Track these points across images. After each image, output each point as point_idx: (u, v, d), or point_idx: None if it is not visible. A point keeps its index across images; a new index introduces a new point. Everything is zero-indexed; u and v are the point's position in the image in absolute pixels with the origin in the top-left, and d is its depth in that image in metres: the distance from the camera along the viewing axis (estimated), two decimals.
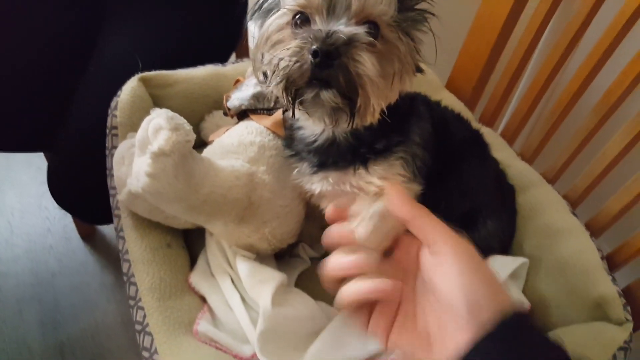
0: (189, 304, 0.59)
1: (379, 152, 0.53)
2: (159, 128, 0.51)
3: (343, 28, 0.43)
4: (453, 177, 0.62)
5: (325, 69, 0.42)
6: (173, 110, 0.71)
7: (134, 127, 0.66)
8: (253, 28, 0.51)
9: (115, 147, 0.65)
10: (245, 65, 0.79)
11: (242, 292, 0.58)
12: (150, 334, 0.54)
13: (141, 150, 0.54)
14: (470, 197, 0.64)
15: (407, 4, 0.47)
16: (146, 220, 0.62)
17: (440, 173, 0.58)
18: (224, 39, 0.97)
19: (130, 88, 0.68)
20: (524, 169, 0.75)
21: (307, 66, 0.43)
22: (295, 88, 0.45)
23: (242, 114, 0.69)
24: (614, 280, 0.60)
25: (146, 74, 0.71)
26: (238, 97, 0.67)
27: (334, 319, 0.55)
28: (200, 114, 0.77)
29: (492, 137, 0.79)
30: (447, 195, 0.60)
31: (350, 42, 0.42)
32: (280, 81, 0.45)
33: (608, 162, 0.67)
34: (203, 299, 0.60)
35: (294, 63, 0.43)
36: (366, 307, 0.43)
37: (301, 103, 0.46)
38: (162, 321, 0.55)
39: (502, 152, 0.77)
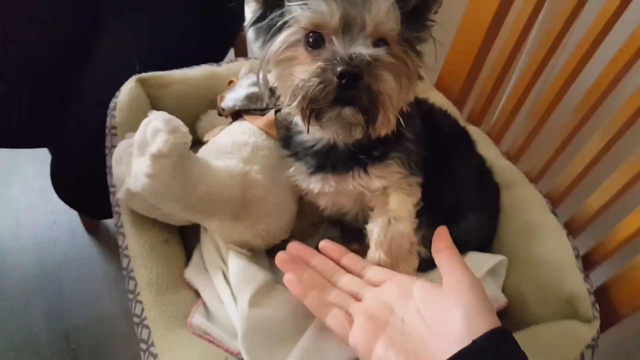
0: (184, 298, 0.61)
1: (376, 157, 0.56)
2: (157, 130, 0.53)
3: (364, 49, 0.45)
4: (443, 168, 0.64)
5: (350, 90, 0.45)
6: (169, 110, 0.74)
7: (132, 127, 0.68)
8: (251, 36, 0.52)
9: (114, 147, 0.68)
10: (239, 65, 0.82)
11: (232, 288, 0.60)
12: (147, 326, 0.57)
13: (140, 152, 0.57)
14: (457, 188, 0.67)
15: (413, 19, 0.49)
16: (144, 217, 0.65)
17: (432, 164, 0.61)
18: (222, 34, 1.00)
19: (128, 89, 0.70)
20: (507, 167, 0.78)
21: (332, 87, 0.45)
22: (317, 107, 0.47)
23: (236, 114, 0.71)
24: (586, 278, 0.62)
25: (143, 75, 0.73)
26: (232, 98, 0.70)
27: (316, 319, 0.56)
28: (196, 113, 0.80)
29: (479, 136, 0.82)
30: (438, 185, 0.63)
31: (373, 62, 0.44)
32: (302, 101, 0.46)
33: (587, 162, 0.70)
34: (197, 293, 0.63)
35: (318, 84, 0.45)
36: (346, 319, 0.49)
37: (318, 119, 0.48)
38: (159, 315, 0.58)
39: (488, 150, 0.79)
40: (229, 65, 0.82)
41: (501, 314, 0.65)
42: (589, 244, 0.71)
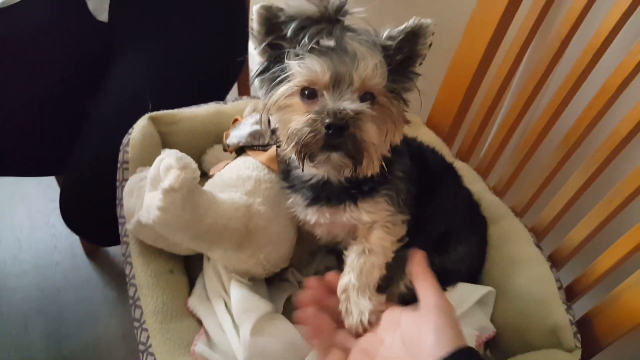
0: (187, 326, 0.64)
1: (366, 192, 0.61)
2: (169, 167, 0.57)
3: (350, 104, 0.51)
4: (433, 200, 0.69)
5: (337, 138, 0.51)
6: (178, 144, 0.80)
7: (143, 161, 0.72)
8: (257, 84, 0.58)
9: (125, 180, 0.71)
10: (244, 103, 0.86)
11: (234, 316, 0.63)
12: (152, 354, 0.60)
13: (152, 186, 0.61)
14: (446, 219, 0.71)
15: (398, 72, 0.55)
16: (151, 247, 0.68)
17: (421, 197, 0.66)
18: (227, 69, 1.05)
19: (141, 127, 0.75)
20: (494, 201, 0.82)
21: (321, 136, 0.51)
22: (309, 151, 0.53)
23: (240, 150, 0.76)
24: (568, 308, 0.66)
25: (155, 113, 0.78)
26: (236, 135, 0.75)
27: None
28: (203, 147, 0.84)
29: (467, 171, 0.87)
30: (428, 216, 0.68)
31: (357, 116, 0.51)
32: (296, 146, 0.53)
33: (568, 198, 0.75)
34: (200, 322, 0.66)
35: (309, 132, 0.51)
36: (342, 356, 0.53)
37: (311, 160, 0.54)
38: (163, 342, 0.60)
39: (475, 185, 0.84)
40: (234, 103, 0.87)
41: (490, 342, 0.69)
42: (571, 276, 0.75)
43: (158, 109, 0.80)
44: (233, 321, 0.63)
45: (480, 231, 0.77)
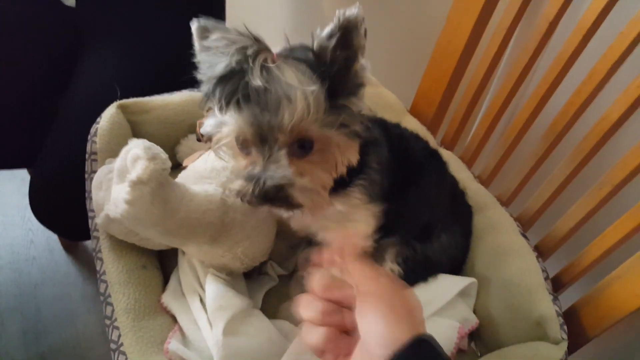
0: (161, 323, 0.62)
1: (340, 185, 0.57)
2: (137, 158, 0.54)
3: (275, 173, 0.47)
4: (415, 190, 0.66)
5: (269, 202, 0.49)
6: (150, 135, 0.77)
7: (112, 153, 0.69)
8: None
9: (94, 172, 0.68)
10: None
11: (208, 314, 0.61)
12: (124, 353, 0.57)
13: (120, 178, 0.58)
14: (430, 209, 0.69)
15: (340, 86, 0.48)
16: (123, 242, 0.66)
17: (402, 186, 0.63)
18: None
19: (109, 115, 0.71)
20: (479, 190, 0.80)
21: (254, 200, 0.48)
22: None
23: None
24: (555, 299, 0.64)
25: (124, 101, 0.74)
26: (210, 124, 0.71)
27: (293, 341, 0.57)
28: (176, 137, 0.81)
29: (452, 160, 0.84)
30: (409, 207, 0.65)
31: (285, 183, 0.48)
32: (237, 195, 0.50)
33: (555, 187, 0.73)
34: (174, 318, 0.63)
35: (242, 195, 0.49)
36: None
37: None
38: (135, 341, 0.58)
39: (460, 174, 0.81)
40: None
41: (475, 335, 0.68)
42: (558, 266, 0.73)
43: (129, 98, 0.76)
44: (208, 318, 0.60)
45: (465, 221, 0.75)
